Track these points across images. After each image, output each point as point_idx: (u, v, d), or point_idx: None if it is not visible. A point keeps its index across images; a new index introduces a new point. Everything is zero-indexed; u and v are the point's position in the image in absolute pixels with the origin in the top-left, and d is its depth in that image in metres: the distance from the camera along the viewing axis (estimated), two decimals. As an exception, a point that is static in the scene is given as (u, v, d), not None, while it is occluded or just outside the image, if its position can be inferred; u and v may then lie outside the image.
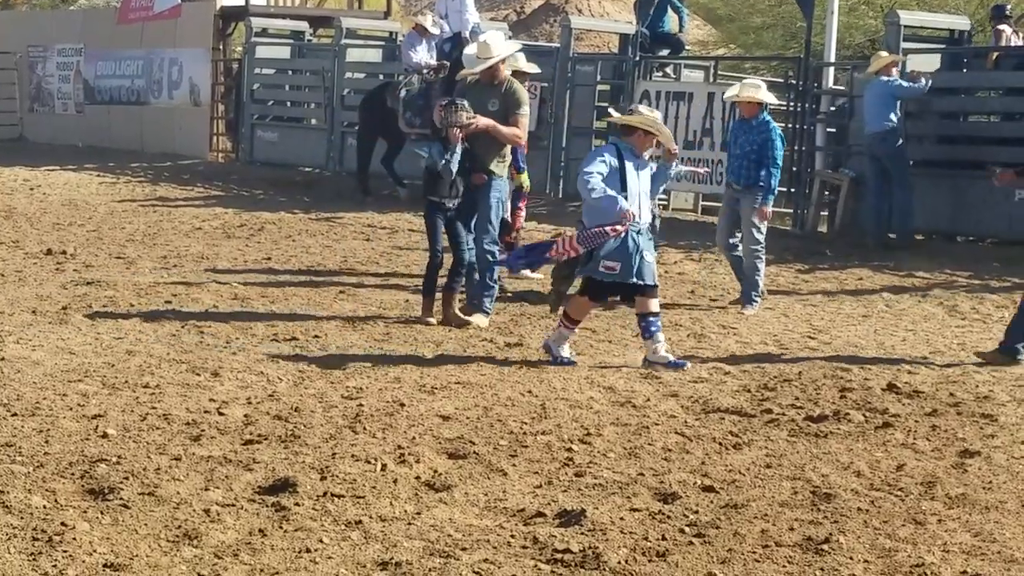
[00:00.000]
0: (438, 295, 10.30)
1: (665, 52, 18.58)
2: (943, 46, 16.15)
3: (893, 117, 14.57)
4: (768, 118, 11.38)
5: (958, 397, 8.31)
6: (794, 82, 16.84)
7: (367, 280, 12.32)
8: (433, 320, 10.17)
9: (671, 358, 9.00)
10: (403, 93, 18.22)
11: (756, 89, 11.38)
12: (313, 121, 22.66)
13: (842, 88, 16.74)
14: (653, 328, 8.99)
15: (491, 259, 10.26)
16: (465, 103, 9.98)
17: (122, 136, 25.11)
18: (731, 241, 11.54)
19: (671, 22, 18.53)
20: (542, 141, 18.29)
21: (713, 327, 10.50)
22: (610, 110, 10.49)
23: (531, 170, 17.82)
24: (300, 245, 14.55)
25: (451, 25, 17.85)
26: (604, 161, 8.86)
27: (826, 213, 16.17)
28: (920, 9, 22.43)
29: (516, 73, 11.95)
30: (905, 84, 14.71)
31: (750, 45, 26.66)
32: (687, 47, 19.82)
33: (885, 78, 14.57)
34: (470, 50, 10.93)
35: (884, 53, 15.03)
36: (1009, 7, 17.26)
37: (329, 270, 12.86)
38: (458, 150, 9.93)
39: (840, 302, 11.98)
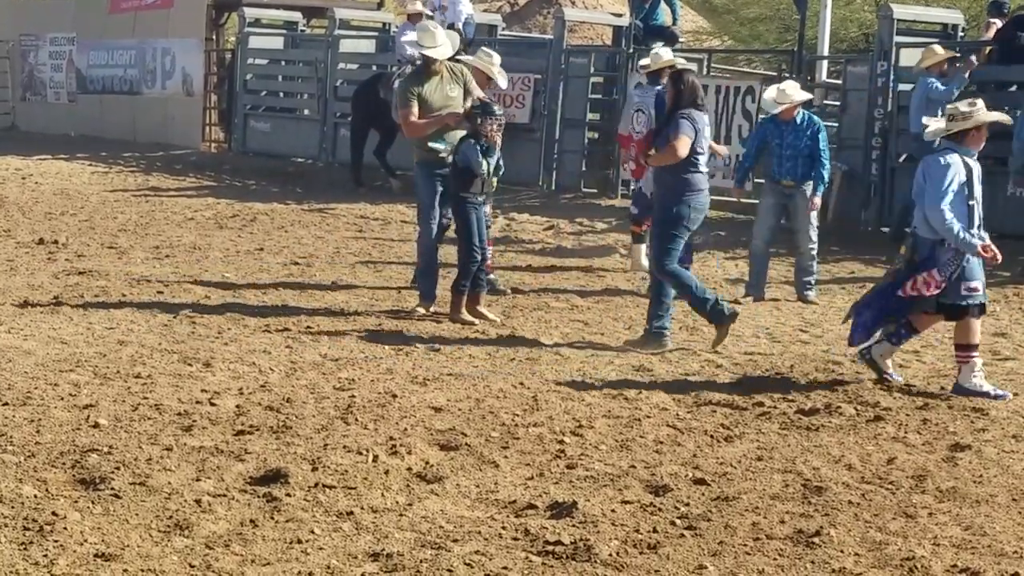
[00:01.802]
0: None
1: (659, 44, 18.55)
2: (936, 40, 16.14)
3: (928, 120, 14.21)
4: (809, 112, 11.59)
5: (949, 391, 8.31)
6: (787, 75, 16.83)
7: (359, 271, 12.31)
8: (474, 319, 10.04)
9: (991, 389, 8.21)
10: (396, 84, 18.20)
11: (795, 91, 11.53)
12: (306, 112, 22.64)
13: (836, 82, 16.74)
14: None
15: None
16: (495, 108, 10.01)
17: (115, 126, 25.06)
18: (772, 237, 11.79)
19: (664, 14, 18.51)
20: (535, 133, 18.31)
21: (705, 320, 10.49)
22: (925, 120, 9.39)
23: (524, 162, 17.93)
24: (292, 236, 14.54)
25: (446, 17, 17.86)
26: (955, 176, 8.10)
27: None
28: (914, 3, 22.42)
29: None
30: (940, 86, 14.00)
31: (745, 38, 26.63)
32: (681, 39, 19.79)
33: (931, 79, 13.88)
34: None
35: (939, 48, 14.23)
36: (1008, 4, 17.24)
37: (322, 261, 12.85)
38: (496, 151, 9.96)
39: (832, 295, 11.99)
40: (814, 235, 11.64)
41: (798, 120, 11.48)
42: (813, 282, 11.74)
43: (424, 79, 10.30)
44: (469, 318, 10.03)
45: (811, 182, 11.52)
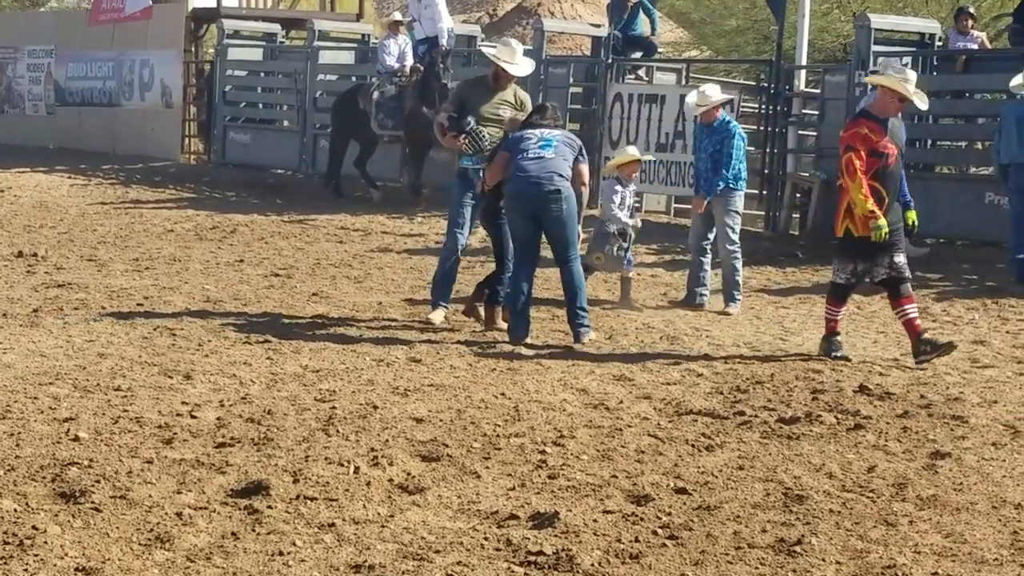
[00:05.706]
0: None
1: (637, 55, 18.61)
2: (913, 49, 16.22)
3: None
4: (727, 118, 11.44)
5: (929, 399, 8.34)
6: (765, 85, 16.90)
7: (340, 282, 12.30)
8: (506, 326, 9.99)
9: None
10: (376, 95, 18.24)
11: (715, 93, 11.40)
12: (286, 123, 22.63)
13: (814, 91, 16.81)
14: None
15: None
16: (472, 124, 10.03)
17: (93, 138, 25.01)
18: (703, 244, 11.56)
19: (643, 25, 18.56)
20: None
21: (685, 329, 10.52)
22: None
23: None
24: (273, 247, 14.52)
25: (424, 28, 17.88)
26: None
27: (798, 215, 16.23)
28: (891, 13, 22.50)
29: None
30: None
31: (723, 49, 26.70)
32: (659, 50, 19.85)
33: None
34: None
35: None
36: (972, 9, 17.32)
37: (302, 272, 12.84)
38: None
39: (812, 304, 12.01)
40: (730, 244, 11.37)
41: (716, 124, 11.32)
42: (735, 294, 11.42)
43: (480, 88, 10.29)
44: (503, 326, 10.01)
45: (722, 185, 11.24)
